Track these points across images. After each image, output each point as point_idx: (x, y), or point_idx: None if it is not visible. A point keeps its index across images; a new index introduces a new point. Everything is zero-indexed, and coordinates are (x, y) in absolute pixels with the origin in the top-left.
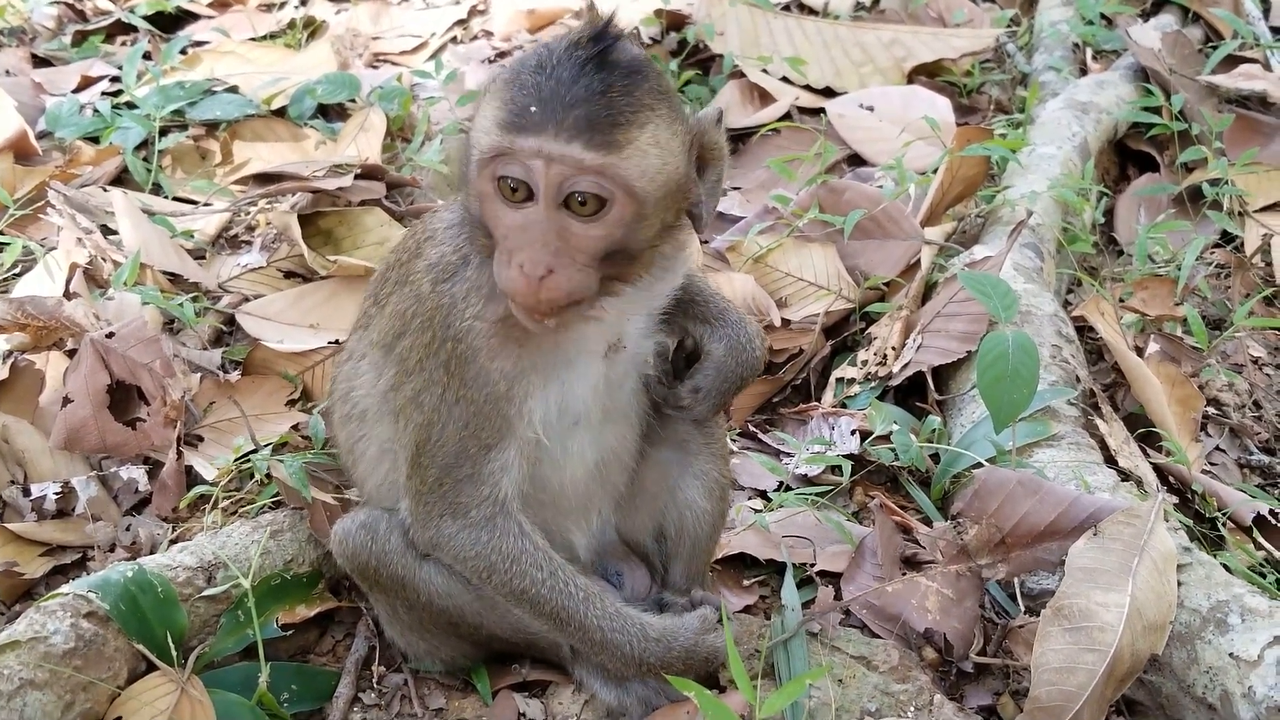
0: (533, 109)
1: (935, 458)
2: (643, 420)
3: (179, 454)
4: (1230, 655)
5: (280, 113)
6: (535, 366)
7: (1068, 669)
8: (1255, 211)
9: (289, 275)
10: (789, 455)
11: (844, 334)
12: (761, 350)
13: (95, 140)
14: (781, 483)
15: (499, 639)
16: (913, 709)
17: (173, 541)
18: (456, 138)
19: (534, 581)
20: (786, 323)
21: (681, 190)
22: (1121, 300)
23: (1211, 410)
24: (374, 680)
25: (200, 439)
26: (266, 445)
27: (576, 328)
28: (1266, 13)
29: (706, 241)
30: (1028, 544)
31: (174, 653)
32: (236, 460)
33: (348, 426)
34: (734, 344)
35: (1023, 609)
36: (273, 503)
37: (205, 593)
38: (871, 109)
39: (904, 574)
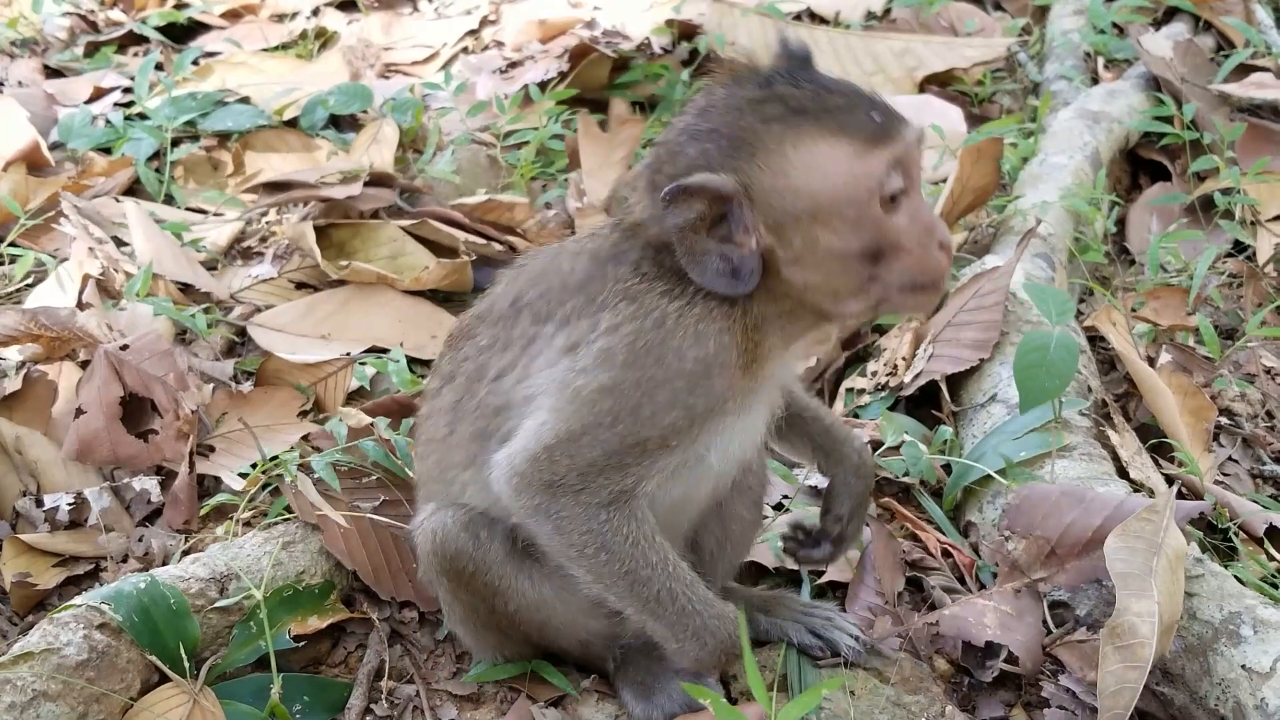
0: (874, 116)
1: (948, 468)
2: None
3: (191, 467)
4: (1243, 667)
5: (292, 124)
6: (748, 393)
7: (1118, 691)
8: (1267, 221)
9: (300, 286)
10: (799, 466)
11: (856, 346)
12: (872, 459)
13: (107, 151)
14: (786, 496)
15: (562, 650)
16: None
17: (185, 553)
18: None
19: (646, 563)
20: None
21: None
22: (1133, 310)
23: (1224, 420)
24: (385, 692)
25: (212, 449)
26: (291, 452)
27: (779, 366)
28: (1279, 21)
29: None
30: (1079, 553)
31: (186, 664)
32: (261, 469)
33: (486, 441)
34: (853, 463)
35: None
36: (285, 515)
37: (218, 604)
38: None
39: (906, 584)
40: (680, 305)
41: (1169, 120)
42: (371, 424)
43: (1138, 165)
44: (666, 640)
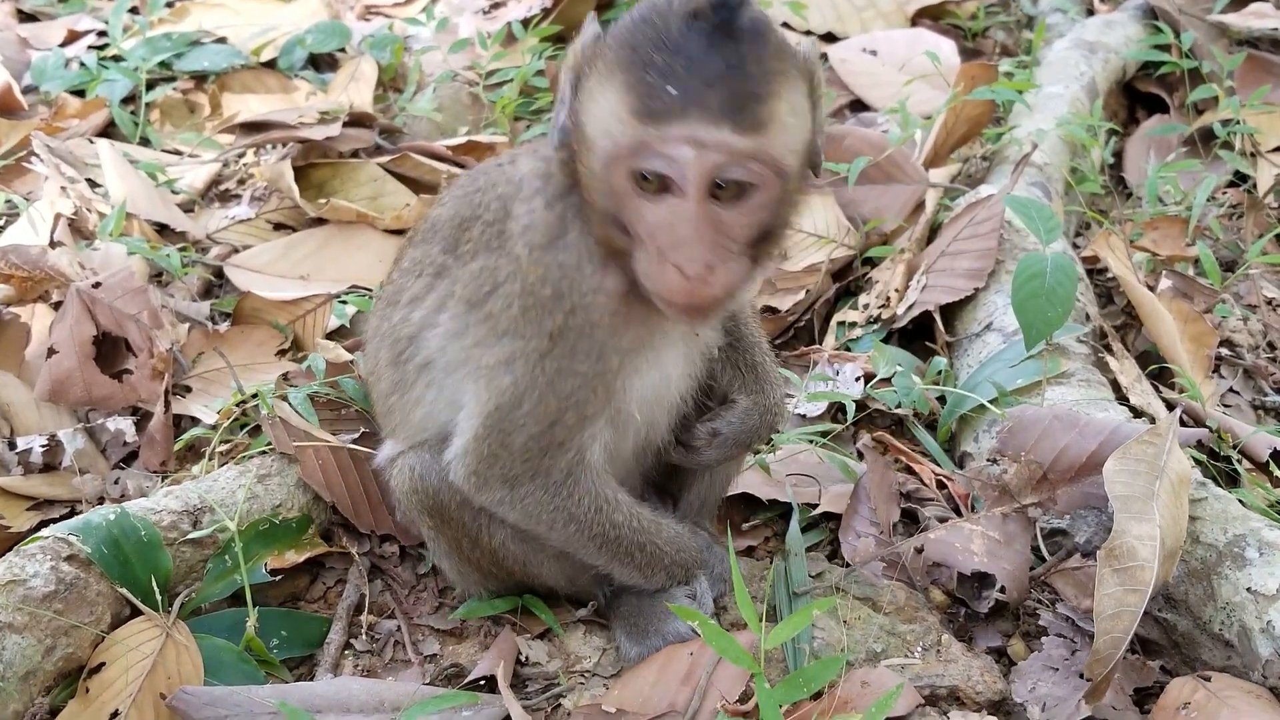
0: (671, 90)
1: (942, 400)
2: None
3: (167, 406)
4: (1248, 590)
5: (270, 65)
6: (647, 344)
7: (1116, 615)
8: (1268, 152)
9: (278, 227)
10: (791, 395)
11: (847, 279)
12: (778, 418)
13: (81, 94)
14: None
15: (547, 586)
16: (920, 649)
17: None
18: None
19: (612, 524)
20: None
21: (811, 148)
22: (1132, 241)
23: (1225, 351)
24: (366, 627)
25: (188, 389)
26: (266, 387)
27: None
28: None
29: None
30: (1073, 478)
31: (159, 597)
32: (238, 404)
33: (401, 369)
34: (760, 406)
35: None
36: (263, 450)
37: (190, 536)
38: (875, 53)
39: (901, 516)
40: (552, 273)
41: (1166, 49)
42: (351, 361)
43: (1134, 99)
44: (634, 580)
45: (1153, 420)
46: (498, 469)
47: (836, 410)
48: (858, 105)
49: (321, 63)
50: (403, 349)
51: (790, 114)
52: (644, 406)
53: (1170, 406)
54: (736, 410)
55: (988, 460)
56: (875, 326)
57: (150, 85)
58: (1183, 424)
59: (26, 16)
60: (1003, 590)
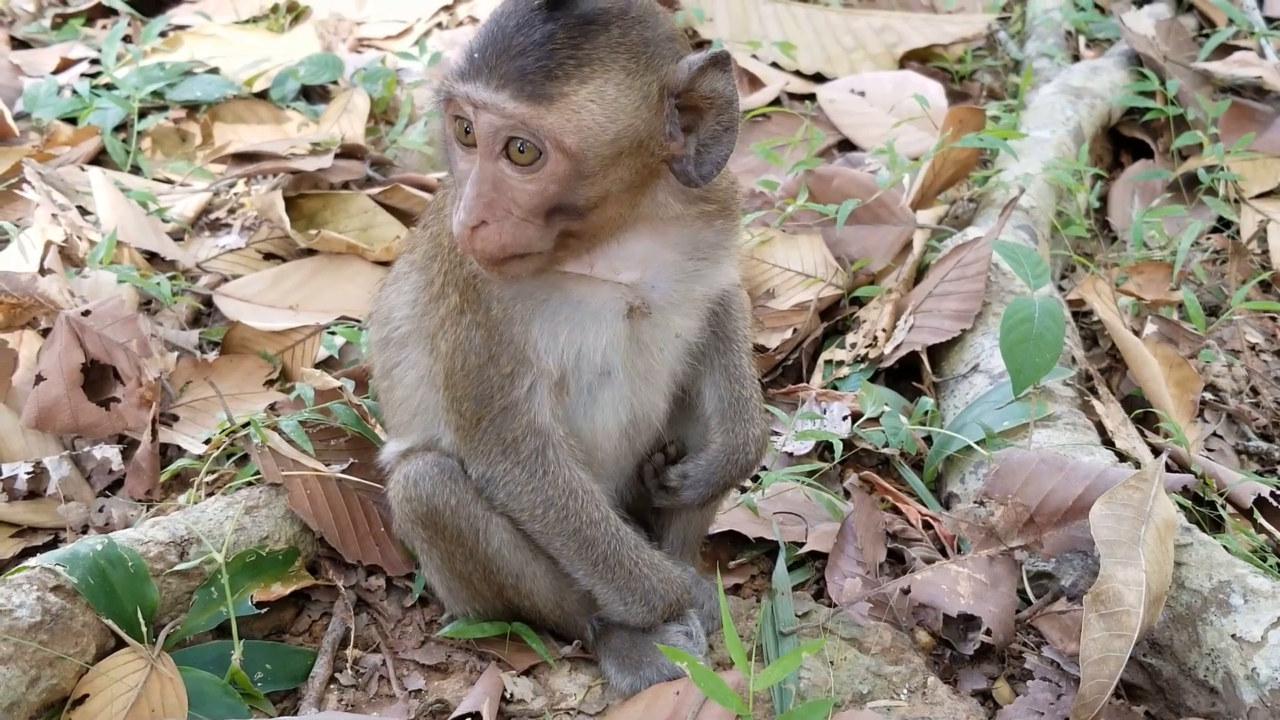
0: (476, 55)
1: (929, 440)
2: (673, 393)
3: (154, 435)
4: (1233, 636)
5: (263, 95)
6: (535, 296)
7: (1102, 659)
8: (1251, 198)
9: (268, 257)
10: (777, 434)
11: (834, 319)
12: (758, 456)
13: (73, 121)
14: (763, 466)
15: (537, 610)
16: (905, 691)
17: None
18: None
19: (590, 521)
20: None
21: (643, 148)
22: (1117, 285)
23: (1209, 396)
24: (351, 661)
25: (175, 418)
26: (256, 416)
27: (584, 280)
28: (1261, 1)
29: None
30: (1058, 522)
31: (144, 629)
32: (223, 433)
33: (386, 351)
34: (732, 445)
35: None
36: (248, 482)
37: (177, 568)
38: (863, 94)
39: (888, 556)
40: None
41: (1151, 95)
42: (339, 387)
43: (1120, 144)
44: (614, 603)
45: (1138, 464)
46: (471, 444)
47: (824, 449)
48: (846, 145)
49: (314, 94)
50: (384, 331)
51: (593, 101)
52: (573, 372)
53: (1155, 451)
54: (708, 453)
55: (974, 502)
56: (862, 366)
57: (142, 114)
58: (1168, 469)
59: (19, 43)
60: (988, 633)
